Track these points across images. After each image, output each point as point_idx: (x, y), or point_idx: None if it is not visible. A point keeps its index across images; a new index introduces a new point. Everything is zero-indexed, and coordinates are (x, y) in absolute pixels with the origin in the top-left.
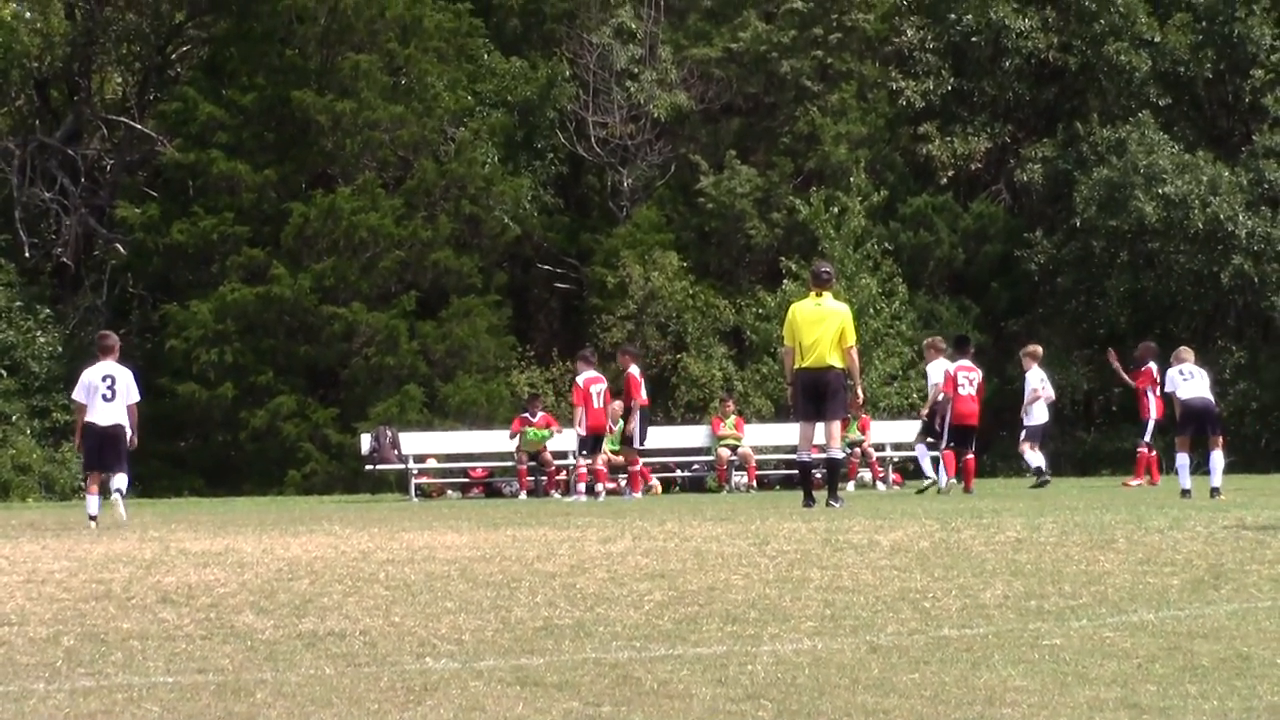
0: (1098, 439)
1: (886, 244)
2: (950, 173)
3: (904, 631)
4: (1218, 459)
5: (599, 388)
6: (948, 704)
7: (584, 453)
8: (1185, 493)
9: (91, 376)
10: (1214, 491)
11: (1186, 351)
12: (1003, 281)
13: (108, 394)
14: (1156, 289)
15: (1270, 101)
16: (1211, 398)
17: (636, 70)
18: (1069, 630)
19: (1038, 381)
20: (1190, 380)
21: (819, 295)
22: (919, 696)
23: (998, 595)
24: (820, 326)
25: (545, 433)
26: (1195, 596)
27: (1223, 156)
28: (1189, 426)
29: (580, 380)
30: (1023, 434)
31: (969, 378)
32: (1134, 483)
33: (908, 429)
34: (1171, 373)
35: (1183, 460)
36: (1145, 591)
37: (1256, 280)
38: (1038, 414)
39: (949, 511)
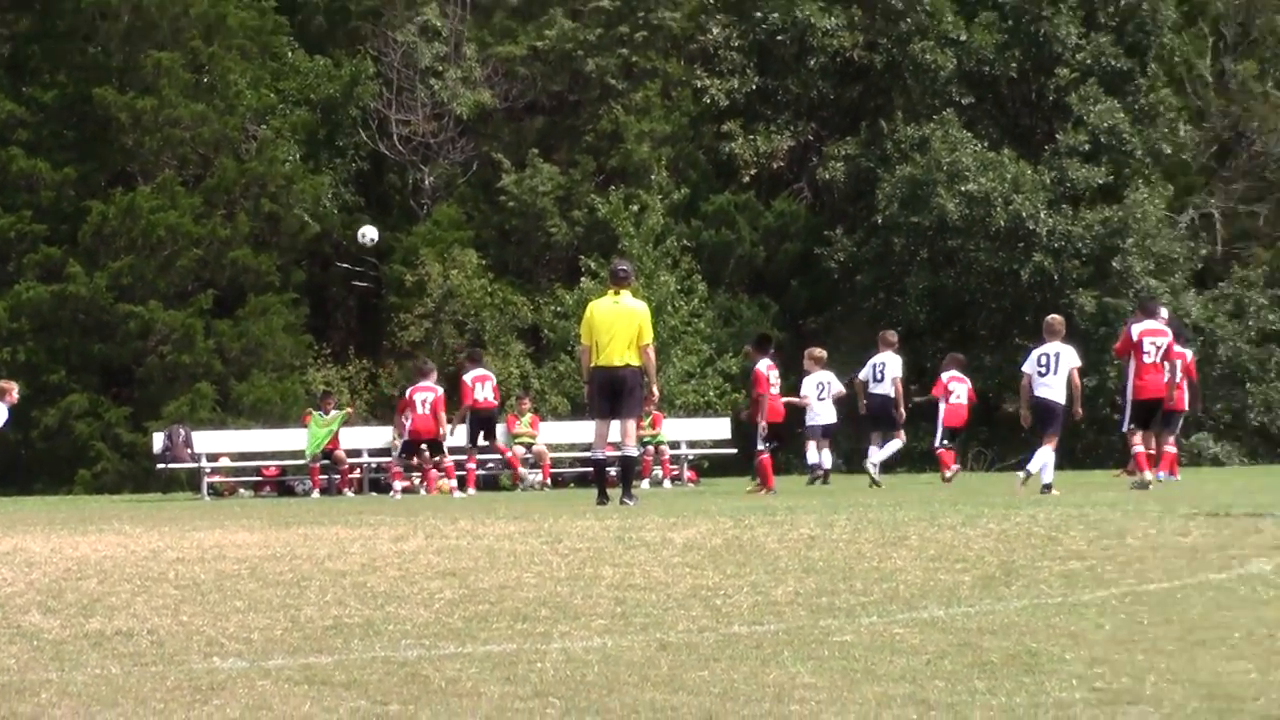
0: None
1: (687, 242)
2: (753, 171)
3: (695, 629)
4: (1044, 455)
5: (423, 396)
6: (736, 700)
7: (403, 455)
8: (1046, 487)
9: None
10: (1045, 488)
11: (1055, 325)
12: (802, 279)
13: None
14: (956, 286)
15: (1074, 100)
16: (1059, 394)
17: (441, 68)
18: (859, 627)
19: (813, 387)
20: (1045, 376)
21: (617, 293)
22: (708, 693)
23: (789, 592)
24: (618, 325)
25: (325, 432)
26: (986, 593)
27: (1026, 155)
28: (1038, 424)
29: (429, 384)
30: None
31: (776, 376)
32: (948, 473)
33: (704, 427)
34: (1029, 365)
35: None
36: (936, 588)
37: (1056, 278)
38: (823, 413)
39: (742, 509)
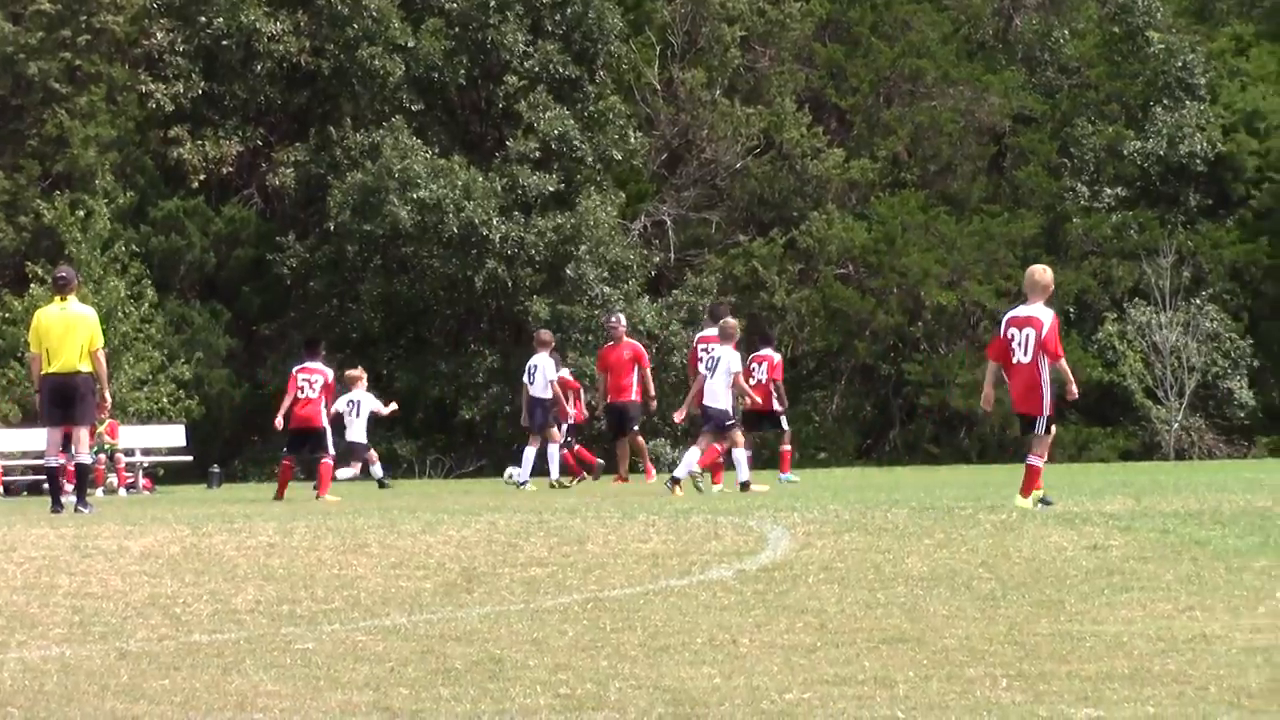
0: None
1: (136, 247)
2: (201, 176)
3: (154, 637)
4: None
5: None
6: (198, 709)
7: None
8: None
9: None
10: (743, 485)
11: (728, 330)
12: (255, 285)
13: None
14: (410, 293)
15: (524, 107)
16: (716, 397)
17: None
18: (321, 634)
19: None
20: (709, 379)
21: (63, 300)
22: (169, 702)
23: (249, 600)
24: (66, 331)
25: None
26: (448, 600)
27: (477, 162)
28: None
29: None
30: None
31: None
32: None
33: (159, 434)
34: (703, 366)
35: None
36: (398, 595)
37: (510, 284)
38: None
39: (200, 517)
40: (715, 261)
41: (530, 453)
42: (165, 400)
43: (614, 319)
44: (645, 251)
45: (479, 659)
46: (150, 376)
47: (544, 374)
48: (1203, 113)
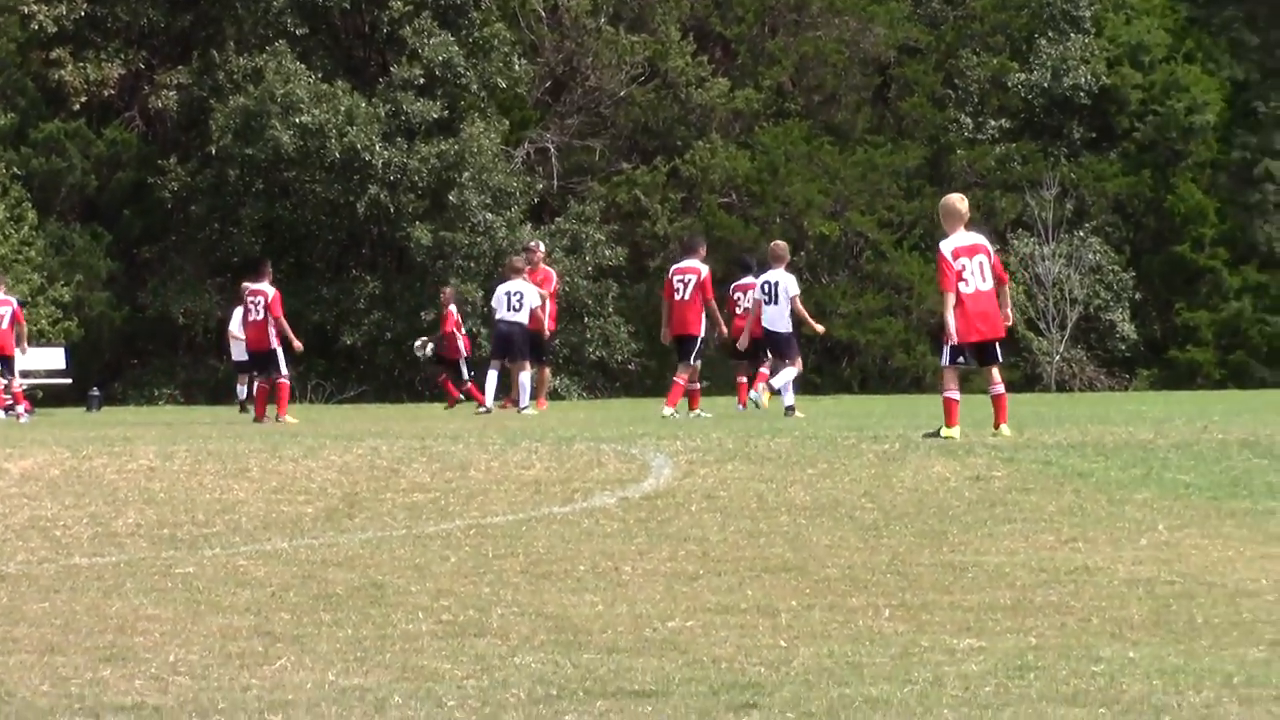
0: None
1: (16, 170)
2: (83, 99)
3: (34, 560)
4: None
5: None
6: (79, 633)
7: None
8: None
9: None
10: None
11: (778, 251)
12: (135, 209)
13: None
14: (292, 218)
15: (408, 33)
16: (777, 324)
17: None
18: (202, 559)
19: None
20: (769, 306)
21: None
22: (49, 625)
23: (130, 524)
24: None
25: None
26: (329, 525)
27: (360, 87)
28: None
29: None
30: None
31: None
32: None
33: (38, 357)
34: (757, 293)
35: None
36: (279, 520)
37: (392, 210)
38: None
39: (80, 440)
40: (598, 189)
41: (525, 379)
42: (45, 322)
43: (533, 244)
44: (528, 179)
45: (360, 584)
46: (29, 299)
47: (529, 300)
48: (1087, 46)
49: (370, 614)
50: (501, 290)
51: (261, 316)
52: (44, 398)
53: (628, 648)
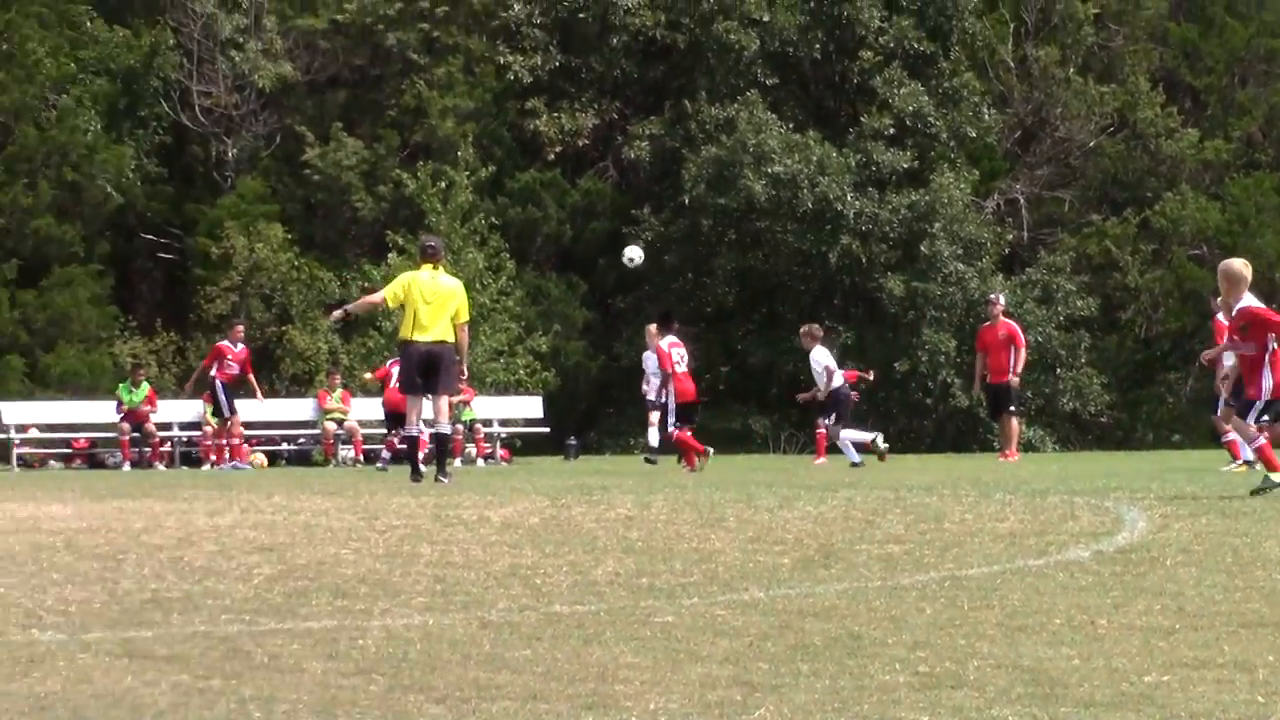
0: (706, 418)
1: (494, 219)
2: (558, 149)
3: (515, 607)
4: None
5: None
6: (560, 680)
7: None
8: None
9: None
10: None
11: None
12: (610, 258)
13: None
14: (764, 268)
15: (879, 83)
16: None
17: (241, 40)
18: (680, 608)
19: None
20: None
21: (435, 268)
22: (531, 672)
23: (609, 572)
24: (435, 299)
25: (140, 395)
26: (806, 575)
27: (830, 137)
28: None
29: None
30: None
31: (680, 354)
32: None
33: (516, 405)
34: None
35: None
36: (756, 570)
37: (864, 260)
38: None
39: (558, 489)
40: (1068, 241)
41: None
42: (522, 372)
43: (993, 297)
44: (999, 229)
45: (837, 635)
46: (508, 348)
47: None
48: None
49: (847, 665)
50: None
51: (683, 371)
52: (522, 446)
53: (1105, 702)
